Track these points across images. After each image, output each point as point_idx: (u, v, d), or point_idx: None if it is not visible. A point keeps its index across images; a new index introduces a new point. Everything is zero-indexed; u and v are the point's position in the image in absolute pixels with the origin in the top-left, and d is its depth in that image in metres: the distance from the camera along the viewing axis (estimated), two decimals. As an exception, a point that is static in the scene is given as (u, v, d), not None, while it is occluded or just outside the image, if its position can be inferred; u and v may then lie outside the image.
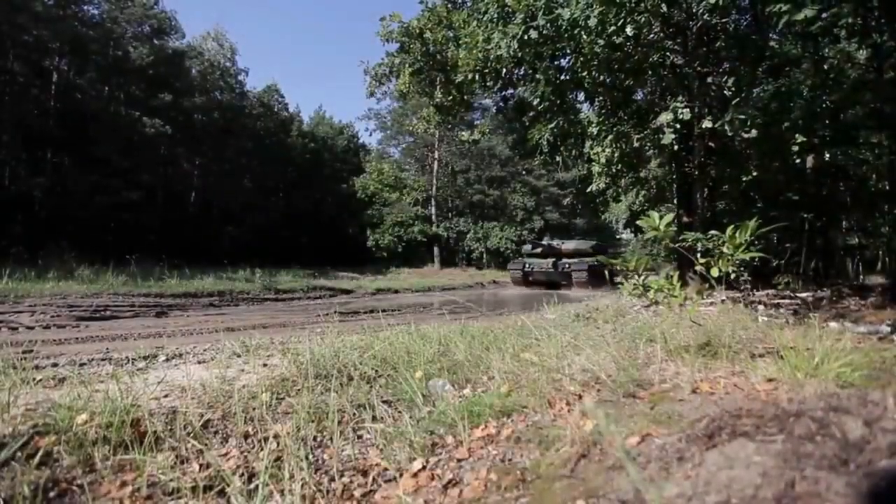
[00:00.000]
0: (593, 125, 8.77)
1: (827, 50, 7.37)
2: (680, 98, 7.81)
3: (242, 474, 1.30)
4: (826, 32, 5.56)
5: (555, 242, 19.60)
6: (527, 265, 18.28)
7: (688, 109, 7.25)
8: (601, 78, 8.43)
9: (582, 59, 8.09)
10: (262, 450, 1.43)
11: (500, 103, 12.31)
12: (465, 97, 11.64)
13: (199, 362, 3.43)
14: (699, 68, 8.29)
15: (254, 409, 1.79)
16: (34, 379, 2.14)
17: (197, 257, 18.18)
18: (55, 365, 3.45)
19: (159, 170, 23.98)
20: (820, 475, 0.87)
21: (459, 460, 1.43)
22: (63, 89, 21.35)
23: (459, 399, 1.97)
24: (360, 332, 3.40)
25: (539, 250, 19.39)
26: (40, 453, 1.28)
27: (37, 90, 20.90)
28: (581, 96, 9.84)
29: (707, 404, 1.52)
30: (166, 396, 2.01)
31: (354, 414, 1.82)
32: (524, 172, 38.14)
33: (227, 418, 1.76)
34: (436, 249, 33.44)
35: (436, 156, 36.27)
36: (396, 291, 16.46)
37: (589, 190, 10.24)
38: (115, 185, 20.13)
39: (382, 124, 40.11)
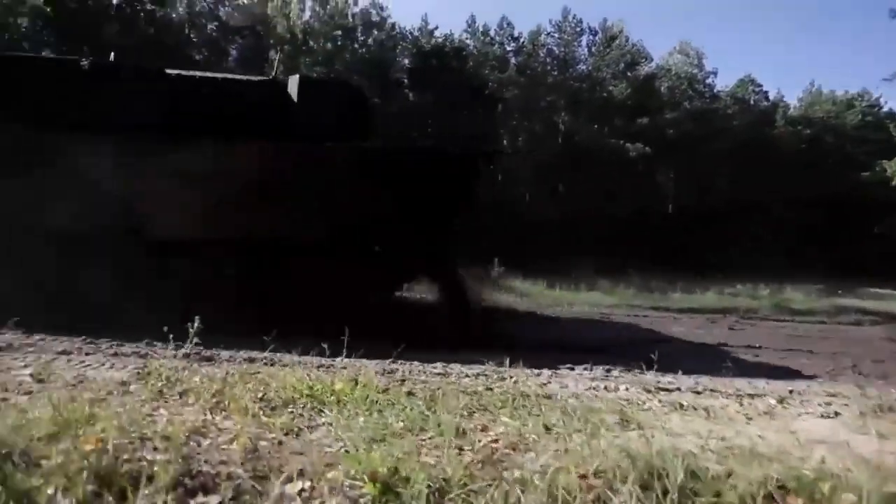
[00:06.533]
0: None
1: None
2: None
3: None
4: None
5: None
6: None
7: None
8: None
9: None
10: None
11: None
12: None
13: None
14: None
15: None
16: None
17: (682, 268, 17.54)
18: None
19: (639, 186, 25.66)
20: None
21: None
22: (567, 135, 26.65)
23: None
24: None
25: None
26: None
27: (551, 140, 27.14)
28: None
29: None
30: None
31: None
32: None
33: None
34: None
35: None
36: None
37: None
38: (611, 208, 23.28)
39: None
